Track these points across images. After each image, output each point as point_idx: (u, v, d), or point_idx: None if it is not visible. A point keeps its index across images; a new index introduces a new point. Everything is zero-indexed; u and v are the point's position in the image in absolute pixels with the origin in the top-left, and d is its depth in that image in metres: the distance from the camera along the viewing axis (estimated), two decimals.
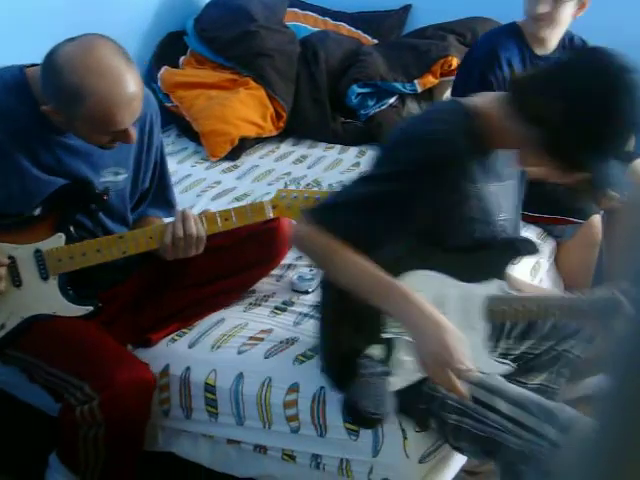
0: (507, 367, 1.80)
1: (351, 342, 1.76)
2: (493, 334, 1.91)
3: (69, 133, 1.95)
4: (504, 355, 1.84)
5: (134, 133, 1.91)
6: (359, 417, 1.69)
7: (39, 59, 1.88)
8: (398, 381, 1.74)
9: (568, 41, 2.69)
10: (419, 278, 1.73)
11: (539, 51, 2.63)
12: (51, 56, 1.81)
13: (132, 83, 1.83)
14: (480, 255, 1.78)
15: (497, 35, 2.70)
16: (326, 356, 1.82)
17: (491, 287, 1.80)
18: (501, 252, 1.81)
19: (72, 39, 1.83)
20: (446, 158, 1.60)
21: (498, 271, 1.82)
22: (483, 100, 1.68)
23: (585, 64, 1.57)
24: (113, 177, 2.08)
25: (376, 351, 1.71)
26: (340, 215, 1.63)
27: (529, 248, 1.84)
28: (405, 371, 1.74)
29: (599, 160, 1.54)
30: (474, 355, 1.77)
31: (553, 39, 2.62)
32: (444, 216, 1.68)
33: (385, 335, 1.75)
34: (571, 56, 1.65)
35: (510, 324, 1.96)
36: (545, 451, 1.61)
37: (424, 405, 1.77)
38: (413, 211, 1.63)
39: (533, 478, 1.65)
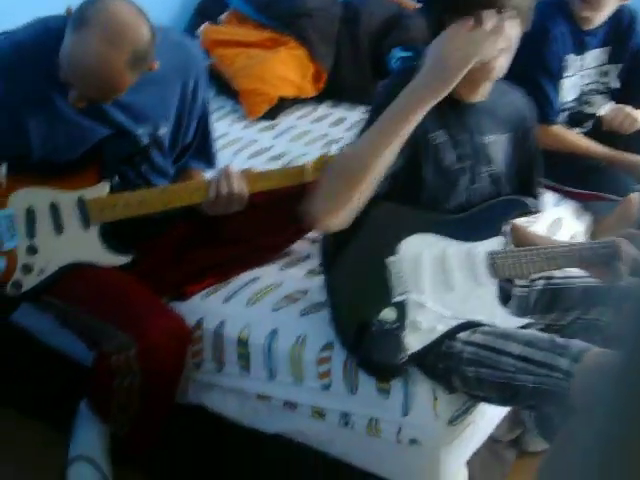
0: (523, 320, 1.85)
1: (362, 311, 1.80)
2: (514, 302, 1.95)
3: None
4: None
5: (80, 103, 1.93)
6: (374, 369, 1.75)
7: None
8: (414, 342, 1.78)
9: (615, 14, 2.66)
10: (419, 240, 1.79)
11: (585, 26, 2.62)
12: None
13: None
14: (476, 213, 1.84)
15: (545, 9, 2.68)
16: (340, 329, 1.85)
17: (494, 243, 1.85)
18: (498, 208, 1.87)
19: None
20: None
21: (498, 227, 1.86)
22: None
23: None
24: (153, 129, 2.11)
25: (389, 315, 1.75)
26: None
27: (526, 205, 1.90)
28: (420, 332, 1.78)
29: None
30: (486, 310, 1.82)
31: (598, 18, 2.62)
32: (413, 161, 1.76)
33: (396, 299, 1.78)
34: None
35: (533, 299, 1.98)
36: (561, 383, 1.64)
37: (443, 364, 1.80)
38: None
39: (560, 414, 1.69)
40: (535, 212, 2.00)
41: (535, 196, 1.98)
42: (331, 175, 1.76)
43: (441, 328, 1.79)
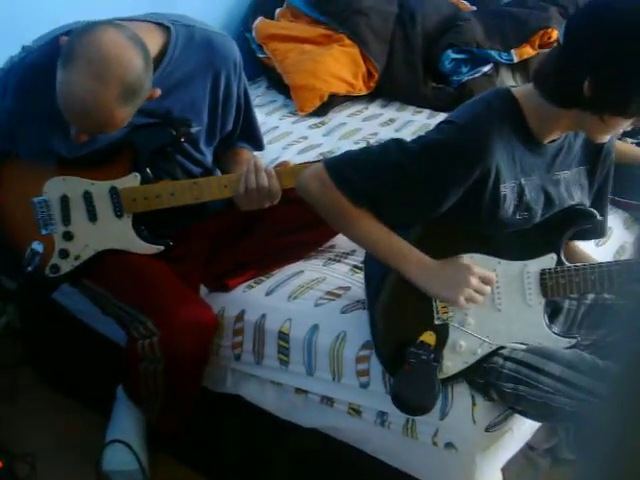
0: (570, 340, 1.82)
1: (402, 330, 1.78)
2: (559, 314, 1.91)
3: None
4: (574, 346, 1.83)
5: (80, 138, 1.92)
6: (402, 405, 1.71)
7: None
8: (452, 366, 1.78)
9: None
10: (466, 260, 1.74)
11: None
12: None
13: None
14: (528, 232, 1.79)
15: None
16: (378, 343, 1.84)
17: (546, 261, 1.80)
18: (553, 225, 1.81)
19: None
20: (475, 153, 1.62)
21: (552, 245, 1.81)
22: (521, 92, 1.69)
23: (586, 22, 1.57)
24: (185, 130, 2.11)
25: (429, 338, 1.73)
26: (366, 180, 1.68)
27: (583, 216, 1.83)
28: (460, 355, 1.78)
29: None
30: (533, 332, 1.79)
31: None
32: (471, 207, 1.69)
33: (437, 321, 1.77)
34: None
35: (581, 313, 1.96)
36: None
37: (481, 379, 1.80)
38: (436, 198, 1.67)
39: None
40: (599, 232, 1.94)
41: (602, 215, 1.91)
42: (329, 208, 1.74)
43: (481, 352, 1.79)
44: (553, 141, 1.73)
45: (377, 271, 1.81)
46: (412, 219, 1.74)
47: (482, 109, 1.66)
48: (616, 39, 1.51)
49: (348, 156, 1.73)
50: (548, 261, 1.81)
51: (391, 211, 1.71)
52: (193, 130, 2.11)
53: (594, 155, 1.84)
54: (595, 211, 1.83)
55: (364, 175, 1.69)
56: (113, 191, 2.07)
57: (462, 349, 1.78)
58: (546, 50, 3.36)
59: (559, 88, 1.60)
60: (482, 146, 1.61)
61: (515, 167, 1.69)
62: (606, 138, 1.72)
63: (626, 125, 1.65)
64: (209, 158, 2.23)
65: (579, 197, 1.84)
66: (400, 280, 1.74)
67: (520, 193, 1.72)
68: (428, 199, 1.68)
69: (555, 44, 1.62)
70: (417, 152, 1.65)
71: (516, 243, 1.80)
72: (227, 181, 2.06)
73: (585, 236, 1.94)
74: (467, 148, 1.62)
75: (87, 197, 2.07)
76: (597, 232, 1.94)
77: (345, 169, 1.70)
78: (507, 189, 1.69)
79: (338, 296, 2.08)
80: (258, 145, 2.35)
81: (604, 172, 1.88)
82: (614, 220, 2.64)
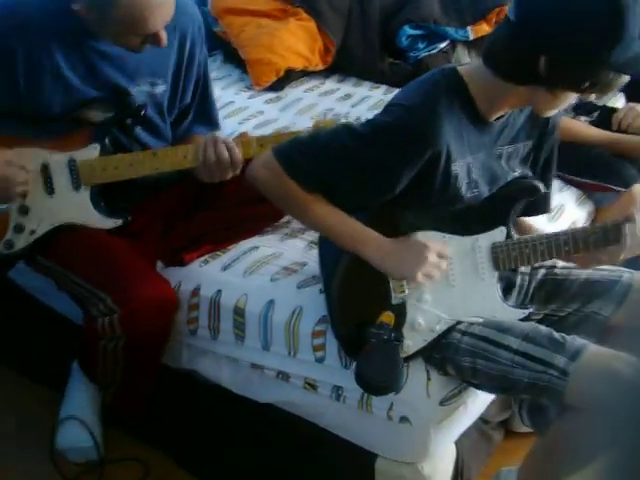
0: (524, 311, 1.85)
1: (359, 311, 1.79)
2: (511, 285, 1.94)
3: (101, 38, 1.96)
4: (527, 319, 1.86)
5: (165, 37, 1.92)
6: (367, 386, 1.72)
7: None
8: (412, 344, 1.79)
9: None
10: (419, 238, 1.75)
11: None
12: None
13: None
14: (477, 207, 1.80)
15: None
16: (336, 326, 1.84)
17: (496, 234, 1.82)
18: (501, 200, 1.82)
19: None
20: (426, 134, 1.61)
21: (501, 219, 1.83)
22: (468, 70, 1.68)
23: None
24: (150, 88, 2.09)
25: (388, 318, 1.74)
26: (316, 165, 1.67)
27: (528, 189, 1.84)
28: (419, 333, 1.79)
29: (610, 55, 1.51)
30: (488, 305, 1.81)
31: None
32: (424, 188, 1.70)
33: (394, 301, 1.78)
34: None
35: (533, 288, 1.98)
36: (556, 380, 1.66)
37: (439, 355, 1.81)
38: (389, 181, 1.67)
39: (554, 410, 1.70)
40: (544, 207, 1.96)
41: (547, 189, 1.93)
42: (280, 195, 1.73)
43: (439, 328, 1.80)
44: (499, 118, 1.74)
45: (331, 252, 1.81)
46: (365, 202, 1.73)
47: (429, 89, 1.65)
48: (567, 14, 1.51)
49: (297, 142, 1.72)
50: (498, 234, 1.82)
51: (344, 195, 1.70)
52: (159, 90, 2.09)
53: (540, 130, 1.85)
54: (539, 184, 1.84)
55: (314, 160, 1.68)
56: (71, 163, 2.03)
57: (421, 327, 1.79)
58: None
59: (513, 66, 1.59)
60: (432, 127, 1.61)
61: (464, 145, 1.70)
62: (554, 112, 1.74)
63: (573, 99, 1.67)
64: (169, 132, 2.21)
65: (521, 170, 1.86)
66: (354, 261, 1.74)
67: (469, 171, 1.73)
68: (380, 182, 1.67)
69: (504, 18, 1.61)
70: (367, 136, 1.65)
71: (466, 218, 1.81)
72: (187, 151, 2.04)
73: (531, 212, 1.96)
74: (417, 129, 1.61)
75: (45, 169, 2.03)
76: (542, 207, 1.96)
77: (294, 155, 1.69)
78: (458, 168, 1.69)
79: (294, 271, 2.08)
80: (213, 125, 2.30)
81: (549, 147, 1.90)
82: (567, 197, 2.68)
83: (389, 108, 1.68)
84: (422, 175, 1.66)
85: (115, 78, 2.03)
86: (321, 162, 1.68)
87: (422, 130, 1.61)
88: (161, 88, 2.11)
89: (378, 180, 1.67)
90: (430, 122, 1.61)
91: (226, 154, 2.00)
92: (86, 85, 2.01)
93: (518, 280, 1.97)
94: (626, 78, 1.60)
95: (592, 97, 1.64)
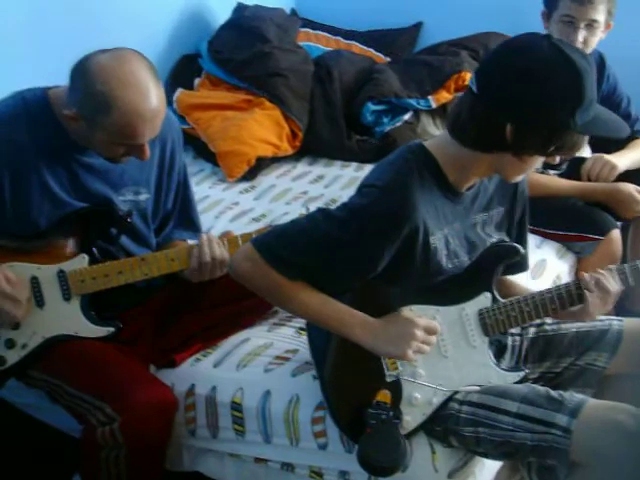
0: (519, 373, 1.85)
1: (355, 394, 1.79)
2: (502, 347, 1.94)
3: (87, 150, 1.99)
4: (523, 380, 1.87)
5: (148, 151, 1.95)
6: (373, 469, 1.71)
7: (54, 81, 1.98)
8: (412, 420, 1.79)
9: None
10: (406, 313, 1.76)
11: None
12: (84, 63, 1.86)
13: (158, 99, 1.88)
14: (460, 276, 1.81)
15: None
16: (334, 411, 1.84)
17: (481, 300, 1.84)
18: (482, 266, 1.84)
19: (105, 50, 1.88)
20: (402, 213, 1.64)
21: (484, 284, 1.85)
22: (434, 144, 1.72)
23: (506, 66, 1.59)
24: (134, 196, 2.12)
25: (384, 397, 1.73)
26: (296, 253, 1.68)
27: (508, 252, 1.87)
28: (417, 407, 1.79)
29: (572, 120, 1.56)
30: (482, 372, 1.82)
31: None
32: (406, 264, 1.72)
33: (389, 378, 1.78)
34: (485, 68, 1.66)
35: (525, 348, 1.99)
36: (560, 439, 1.65)
37: (439, 427, 1.81)
38: (371, 262, 1.69)
39: (563, 470, 1.68)
40: (522, 265, 1.98)
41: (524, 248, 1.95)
42: (264, 287, 1.75)
43: (437, 400, 1.80)
44: (470, 188, 1.77)
45: (320, 337, 1.82)
46: (349, 284, 1.75)
47: (400, 167, 1.68)
48: (530, 83, 1.55)
49: (276, 232, 1.74)
50: (483, 300, 1.84)
51: (326, 280, 1.72)
52: (142, 198, 2.12)
53: (510, 195, 1.89)
54: (518, 245, 1.88)
55: (294, 249, 1.69)
56: (61, 274, 2.04)
57: (418, 401, 1.78)
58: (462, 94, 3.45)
59: (479, 135, 1.62)
60: (407, 204, 1.64)
61: (439, 217, 1.72)
62: (521, 177, 1.77)
63: (540, 163, 1.71)
64: (153, 239, 2.23)
65: (497, 235, 1.89)
66: (344, 343, 1.74)
67: (447, 242, 1.75)
68: (362, 263, 1.69)
69: (466, 91, 1.66)
70: (344, 220, 1.67)
71: (450, 289, 1.82)
72: (174, 255, 2.06)
73: (510, 271, 1.97)
74: (393, 208, 1.64)
75: (35, 282, 2.04)
76: (521, 265, 1.98)
77: (274, 245, 1.70)
78: (437, 240, 1.72)
79: (287, 360, 2.08)
80: (195, 229, 2.32)
81: (521, 209, 1.94)
82: (547, 251, 2.70)
83: (363, 190, 1.71)
84: (402, 251, 1.68)
85: (99, 189, 2.06)
86: (301, 250, 1.69)
87: (398, 208, 1.64)
88: (145, 196, 2.14)
89: (359, 262, 1.69)
90: (404, 199, 1.64)
91: (219, 254, 2.03)
92: (72, 197, 2.04)
93: (509, 342, 1.97)
94: (587, 138, 1.65)
95: (557, 159, 1.67)
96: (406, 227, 1.64)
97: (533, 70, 1.55)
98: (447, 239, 1.75)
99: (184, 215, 2.29)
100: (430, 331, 1.73)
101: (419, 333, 1.70)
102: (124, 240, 2.13)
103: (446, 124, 1.70)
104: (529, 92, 1.55)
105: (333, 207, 1.72)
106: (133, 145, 1.92)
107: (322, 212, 1.71)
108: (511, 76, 1.56)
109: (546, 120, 1.56)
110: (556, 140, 1.59)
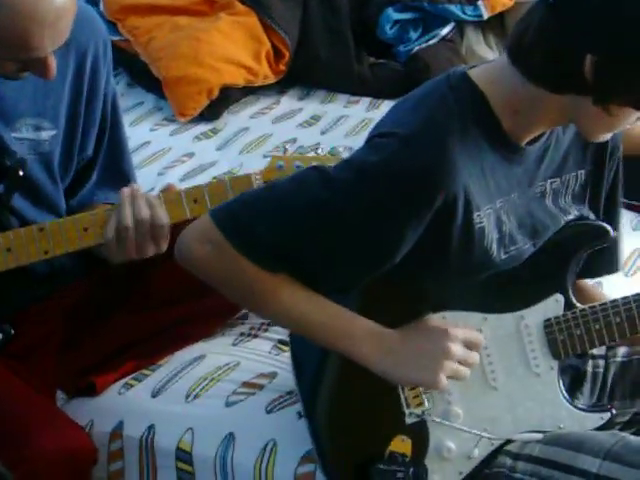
0: (602, 415, 1.85)
1: (360, 441, 1.79)
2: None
3: None
4: (610, 425, 1.87)
5: (53, 65, 1.92)
6: None
7: None
8: (440, 478, 1.78)
9: None
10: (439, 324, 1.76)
11: None
12: None
13: None
14: (517, 270, 1.80)
15: None
16: (329, 466, 1.83)
17: (549, 307, 1.83)
18: (552, 255, 1.84)
19: None
20: (435, 176, 1.62)
21: (555, 282, 1.85)
22: (484, 75, 1.70)
23: None
24: (33, 133, 2.09)
25: (402, 446, 1.74)
26: (277, 233, 1.66)
27: (592, 234, 1.86)
28: (451, 463, 1.79)
29: None
30: (548, 411, 1.83)
31: None
32: (437, 251, 1.71)
33: (410, 419, 1.78)
34: None
35: (612, 377, 1.99)
36: None
37: None
38: (387, 247, 1.67)
39: None
40: (614, 259, 1.98)
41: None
42: (224, 281, 1.74)
43: (479, 453, 1.79)
44: (534, 141, 1.76)
45: (310, 354, 1.81)
46: (354, 280, 1.74)
47: (433, 108, 1.66)
48: (630, 3, 1.54)
49: (247, 200, 1.71)
50: (553, 306, 1.83)
51: (321, 273, 1.70)
52: (45, 136, 2.09)
53: (597, 152, 1.88)
54: (607, 225, 1.87)
55: (274, 226, 1.65)
56: None
57: (452, 454, 1.78)
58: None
59: (547, 66, 1.61)
60: (442, 163, 1.61)
61: (488, 186, 1.71)
62: (608, 136, 1.76)
63: (635, 119, 1.70)
64: (62, 200, 2.21)
65: (577, 210, 1.88)
66: (345, 365, 1.73)
67: (498, 221, 1.75)
68: (374, 249, 1.67)
69: (539, 1, 1.64)
70: (349, 183, 1.64)
71: (503, 289, 1.82)
72: (88, 221, 2.04)
73: (595, 270, 1.98)
74: (420, 170, 1.61)
75: None
76: (611, 260, 1.98)
77: (245, 221, 1.67)
78: (484, 219, 1.70)
79: (260, 387, 2.09)
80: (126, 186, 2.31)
81: (612, 174, 1.93)
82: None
83: (376, 140, 1.69)
84: (432, 233, 1.66)
85: None
86: (285, 228, 1.66)
87: (428, 169, 1.62)
88: (49, 133, 2.12)
89: (370, 247, 1.67)
90: (439, 156, 1.62)
91: (147, 215, 2.00)
92: None
93: (589, 367, 1.98)
94: None
95: None
96: (439, 197, 1.63)
97: None
98: (499, 217, 1.74)
99: (112, 167, 2.27)
100: (472, 345, 1.73)
101: (456, 349, 1.69)
102: (18, 202, 2.12)
103: (505, 45, 1.69)
104: (621, 14, 1.54)
105: (332, 165, 1.71)
106: (29, 59, 1.91)
107: (316, 172, 1.70)
108: None
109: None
110: None
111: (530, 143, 1.74)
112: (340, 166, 1.68)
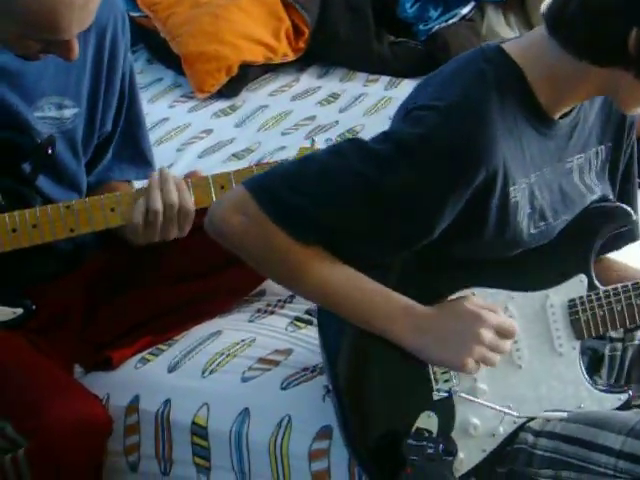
0: (620, 396, 1.85)
1: (390, 419, 1.78)
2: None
3: None
4: (627, 406, 1.86)
5: (77, 49, 1.93)
6: None
7: None
8: (466, 458, 1.78)
9: None
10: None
11: None
12: None
13: None
14: (542, 249, 1.80)
15: None
16: (354, 446, 1.82)
17: (573, 287, 1.83)
18: (577, 235, 1.83)
19: None
20: (477, 149, 1.62)
21: (579, 262, 1.84)
22: (518, 48, 1.70)
23: None
24: (55, 112, 2.09)
25: (428, 422, 1.74)
26: (315, 205, 1.66)
27: (617, 217, 1.86)
28: (476, 440, 1.79)
29: None
30: (570, 391, 1.82)
31: None
32: (474, 226, 1.71)
33: (437, 395, 1.78)
34: None
35: (629, 359, 1.99)
36: None
37: (504, 468, 1.80)
38: (426, 221, 1.67)
39: None
40: (633, 232, 1.96)
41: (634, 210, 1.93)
42: (259, 253, 1.73)
43: (504, 430, 1.79)
44: (565, 115, 1.76)
45: (338, 325, 1.77)
46: (390, 254, 1.73)
47: (472, 81, 1.66)
48: None
49: (281, 173, 1.71)
50: (577, 286, 1.83)
51: (357, 246, 1.70)
52: (68, 114, 2.10)
53: (617, 128, 1.88)
54: (630, 209, 1.86)
55: (313, 198, 1.65)
56: None
57: (477, 430, 1.78)
58: None
59: (590, 38, 1.60)
60: (484, 136, 1.61)
61: (524, 159, 1.71)
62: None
63: None
64: (84, 178, 2.22)
65: (600, 189, 1.88)
66: (374, 338, 1.72)
67: (532, 196, 1.74)
68: (413, 223, 1.67)
69: None
70: (389, 157, 1.63)
71: (529, 266, 1.82)
72: (115, 201, 2.05)
73: (615, 243, 1.96)
74: (463, 144, 1.61)
75: None
76: (630, 233, 1.97)
77: (281, 192, 1.66)
78: (518, 193, 1.70)
79: (275, 364, 2.09)
80: (146, 165, 2.31)
81: (629, 150, 1.93)
82: None
83: (416, 113, 1.68)
84: (471, 207, 1.66)
85: (5, 98, 2.05)
86: (321, 199, 1.66)
87: (469, 143, 1.62)
88: (72, 111, 2.12)
89: (410, 221, 1.67)
90: (480, 130, 1.62)
91: (176, 200, 2.02)
92: None
93: (607, 351, 1.98)
94: None
95: None
96: (481, 170, 1.62)
97: None
98: (533, 192, 1.74)
99: (129, 143, 2.28)
100: (505, 332, 1.72)
101: (488, 335, 1.69)
102: (42, 180, 2.13)
103: (545, 16, 1.67)
104: None
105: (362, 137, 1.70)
106: (54, 41, 1.91)
107: (353, 143, 1.69)
108: None
109: None
110: None
111: (561, 117, 1.74)
112: (378, 138, 1.67)
